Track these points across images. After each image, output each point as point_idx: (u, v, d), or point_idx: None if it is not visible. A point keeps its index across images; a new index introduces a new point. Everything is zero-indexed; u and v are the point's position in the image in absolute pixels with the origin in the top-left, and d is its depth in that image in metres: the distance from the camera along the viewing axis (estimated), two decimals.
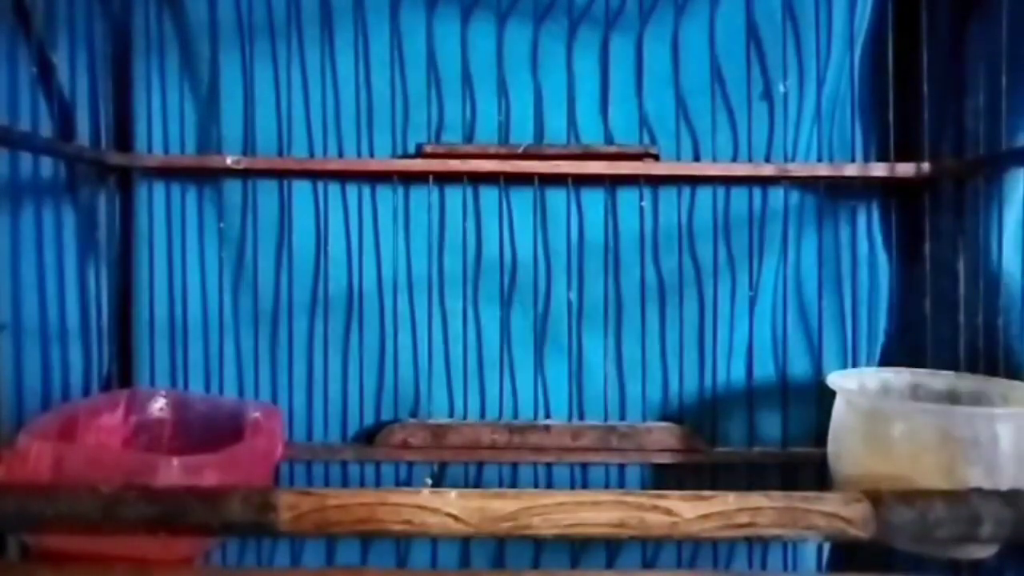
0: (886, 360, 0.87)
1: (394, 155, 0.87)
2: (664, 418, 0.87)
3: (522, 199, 0.87)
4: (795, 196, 0.87)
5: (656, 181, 0.86)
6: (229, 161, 0.84)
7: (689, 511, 0.51)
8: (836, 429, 0.69)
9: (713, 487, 0.70)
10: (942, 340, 0.80)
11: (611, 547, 0.87)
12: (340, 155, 0.86)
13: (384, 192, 0.87)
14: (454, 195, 0.87)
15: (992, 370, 0.73)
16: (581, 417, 0.88)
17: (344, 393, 0.87)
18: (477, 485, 0.86)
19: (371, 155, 0.86)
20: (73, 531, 0.55)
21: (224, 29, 0.85)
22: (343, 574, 0.83)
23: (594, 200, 0.87)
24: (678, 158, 0.86)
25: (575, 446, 0.85)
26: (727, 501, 0.51)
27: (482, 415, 0.87)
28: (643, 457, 0.85)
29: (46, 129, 0.74)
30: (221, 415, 0.78)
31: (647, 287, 0.87)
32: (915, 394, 0.74)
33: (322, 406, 0.87)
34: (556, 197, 0.87)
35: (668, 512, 0.51)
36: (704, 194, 0.86)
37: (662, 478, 0.86)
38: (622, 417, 0.87)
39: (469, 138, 0.87)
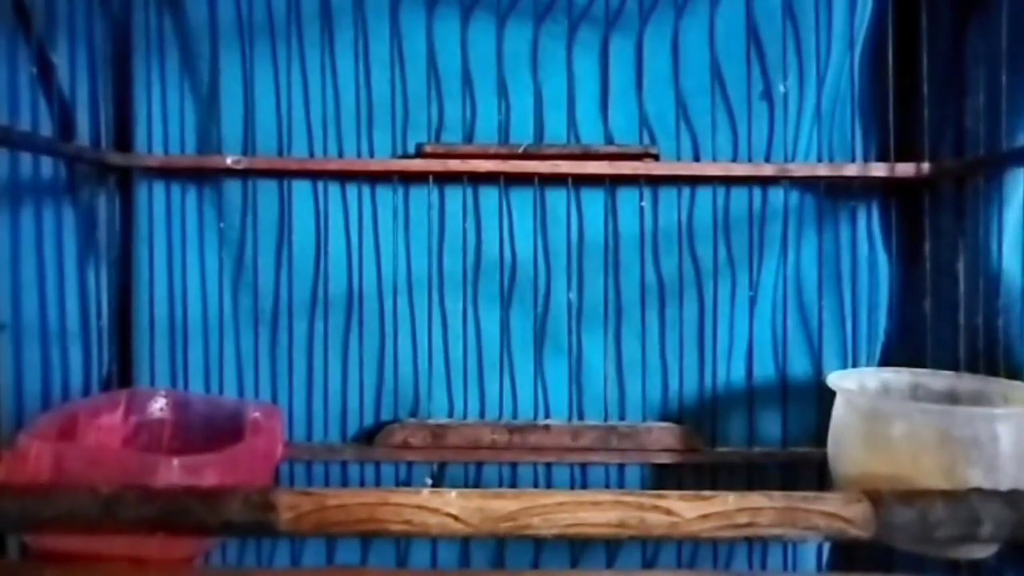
0: (886, 360, 0.87)
1: (394, 155, 0.87)
2: (664, 418, 0.87)
3: (522, 199, 0.87)
4: (795, 196, 0.87)
5: (656, 181, 0.86)
6: (229, 161, 0.84)
7: (689, 511, 0.51)
8: (836, 429, 0.69)
9: (713, 487, 0.70)
10: (942, 340, 0.80)
11: (611, 547, 0.87)
12: (340, 155, 0.86)
13: (384, 192, 0.87)
14: (454, 195, 0.87)
15: (992, 370, 0.73)
16: (581, 417, 0.88)
17: (344, 393, 0.87)
18: (477, 485, 0.86)
19: (371, 155, 0.86)
20: (73, 531, 0.55)
21: (224, 29, 0.85)
22: (343, 574, 0.83)
23: (594, 200, 0.87)
24: (678, 158, 0.86)
25: (575, 446, 0.85)
26: (727, 501, 0.51)
27: (482, 415, 0.87)
28: (643, 457, 0.85)
29: (46, 129, 0.74)
30: (221, 415, 0.77)
31: (647, 287, 0.87)
32: (915, 394, 0.74)
33: (322, 406, 0.87)
34: (556, 197, 0.87)
35: (668, 512, 0.51)
36: (704, 194, 0.86)
37: (662, 478, 0.86)
38: (622, 417, 0.87)
39: (469, 138, 0.87)
